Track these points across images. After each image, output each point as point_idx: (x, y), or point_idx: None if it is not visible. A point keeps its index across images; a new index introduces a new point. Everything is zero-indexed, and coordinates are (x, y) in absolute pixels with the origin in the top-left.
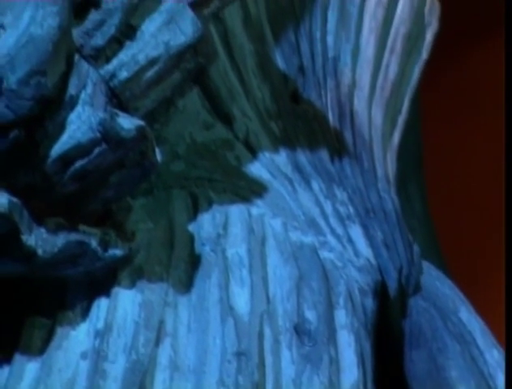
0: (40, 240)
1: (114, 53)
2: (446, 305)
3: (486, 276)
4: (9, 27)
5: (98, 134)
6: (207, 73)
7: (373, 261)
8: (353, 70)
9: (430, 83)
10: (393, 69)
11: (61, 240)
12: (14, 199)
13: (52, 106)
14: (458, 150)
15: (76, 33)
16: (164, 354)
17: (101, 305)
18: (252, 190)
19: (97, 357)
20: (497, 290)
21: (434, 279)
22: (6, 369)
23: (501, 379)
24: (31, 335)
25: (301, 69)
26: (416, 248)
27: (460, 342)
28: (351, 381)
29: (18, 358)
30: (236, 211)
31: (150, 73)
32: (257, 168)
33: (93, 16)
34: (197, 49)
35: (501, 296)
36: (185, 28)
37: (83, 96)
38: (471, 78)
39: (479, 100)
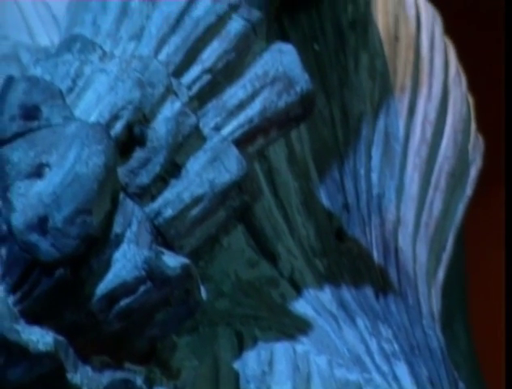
0: (86, 378)
1: (159, 192)
2: None
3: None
4: (54, 165)
5: (143, 273)
6: (252, 210)
7: None
8: (398, 207)
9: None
10: (437, 206)
11: (106, 378)
12: (60, 338)
13: (97, 245)
14: None
15: (121, 172)
16: None
17: None
18: (297, 328)
19: None
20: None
21: None
22: None
23: None
24: None
25: (346, 206)
26: (461, 385)
27: None
28: None
29: None
30: (281, 348)
31: (195, 211)
32: (302, 306)
33: (138, 154)
34: (242, 186)
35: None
36: (230, 166)
37: (128, 234)
38: None
39: None
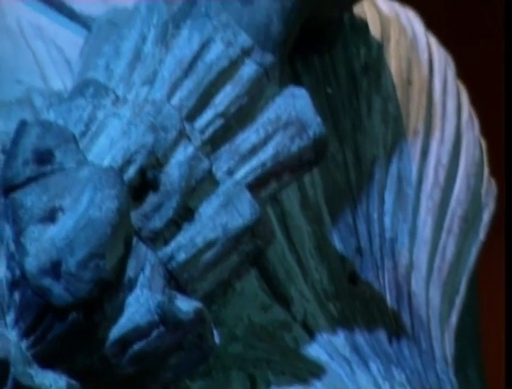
0: None
1: (172, 236)
2: None
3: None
4: (68, 210)
5: (156, 317)
6: (265, 254)
7: None
8: (410, 251)
9: None
10: (450, 250)
11: None
12: (73, 382)
13: (110, 289)
14: None
15: (134, 216)
16: None
17: None
18: (310, 372)
19: None
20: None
21: None
22: None
23: None
24: None
25: (359, 250)
26: None
27: None
28: None
29: None
30: None
31: (208, 255)
32: (315, 350)
33: (151, 199)
34: (254, 231)
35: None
36: (243, 210)
37: (141, 278)
38: None
39: None
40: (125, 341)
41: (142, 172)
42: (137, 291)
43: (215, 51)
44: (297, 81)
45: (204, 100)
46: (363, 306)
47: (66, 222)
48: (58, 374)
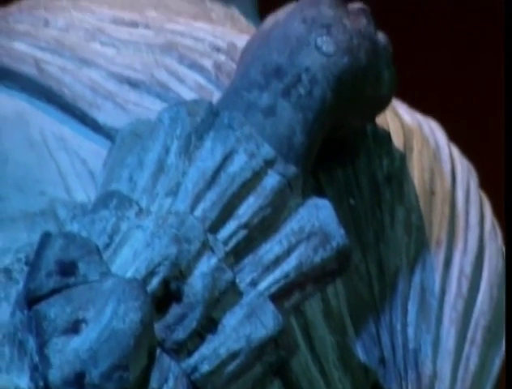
0: None
1: (196, 347)
2: None
3: None
4: (91, 321)
5: None
6: (288, 365)
7: None
8: (434, 362)
9: None
10: (473, 360)
11: None
12: None
13: None
14: None
15: (158, 327)
16: None
17: None
18: None
19: None
20: None
21: None
22: None
23: None
24: None
25: (382, 360)
26: None
27: None
28: None
29: None
30: None
31: (231, 366)
32: None
33: (174, 310)
34: (278, 341)
35: None
36: (266, 321)
37: None
38: None
39: None
40: None
41: (165, 283)
42: None
43: (238, 162)
44: (320, 192)
45: (227, 211)
46: None
47: (89, 334)
48: None
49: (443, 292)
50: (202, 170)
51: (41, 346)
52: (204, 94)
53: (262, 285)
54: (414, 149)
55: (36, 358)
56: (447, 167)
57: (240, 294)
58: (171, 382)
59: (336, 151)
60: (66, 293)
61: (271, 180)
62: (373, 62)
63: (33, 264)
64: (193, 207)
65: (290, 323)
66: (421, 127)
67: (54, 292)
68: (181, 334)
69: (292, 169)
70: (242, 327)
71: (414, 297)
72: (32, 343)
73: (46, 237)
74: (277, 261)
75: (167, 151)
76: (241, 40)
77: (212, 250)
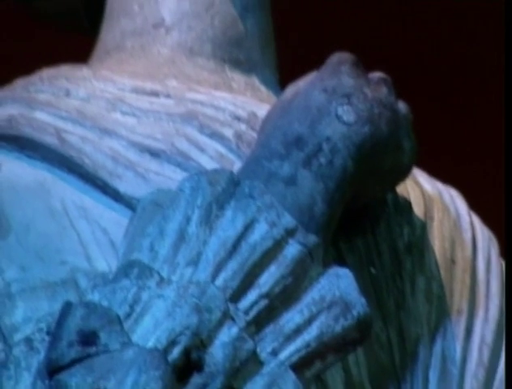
0: None
1: None
2: None
3: None
4: None
5: None
6: None
7: None
8: None
9: None
10: None
11: None
12: None
13: None
14: None
15: None
16: None
17: None
18: None
19: None
20: None
21: None
22: None
23: None
24: None
25: None
26: None
27: None
28: None
29: None
30: None
31: None
32: None
33: (195, 380)
34: None
35: None
36: None
37: None
38: None
39: None
40: None
41: (186, 353)
42: None
43: (259, 232)
44: (341, 261)
45: (248, 280)
46: None
47: None
48: None
49: (464, 360)
50: (223, 239)
51: None
52: (225, 163)
53: (283, 354)
54: (435, 218)
55: None
56: (468, 235)
57: (261, 363)
58: None
59: (357, 219)
60: (87, 363)
61: (292, 249)
62: (393, 132)
63: (54, 334)
64: (214, 277)
65: None
66: (442, 196)
67: (75, 361)
68: None
69: (312, 238)
70: None
71: (435, 365)
72: None
73: (67, 307)
74: (298, 330)
75: (188, 220)
76: (262, 110)
77: (233, 320)
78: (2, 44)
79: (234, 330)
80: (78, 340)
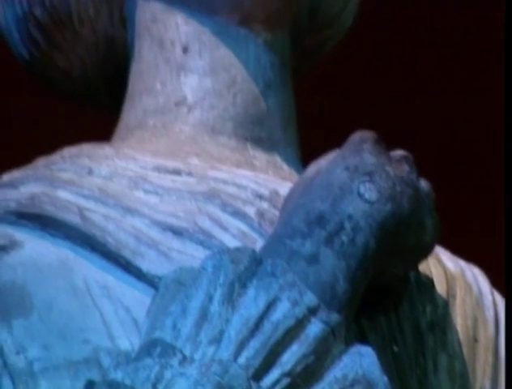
0: None
1: None
2: None
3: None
4: None
5: None
6: None
7: None
8: None
9: None
10: None
11: None
12: None
13: None
14: None
15: None
16: None
17: None
18: None
19: None
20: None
21: None
22: None
23: None
24: None
25: None
26: None
27: None
28: None
29: None
30: None
31: None
32: None
33: None
34: None
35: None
36: None
37: None
38: None
39: None
40: None
41: None
42: None
43: (282, 310)
44: (363, 339)
45: (271, 359)
46: None
47: None
48: None
49: None
50: (246, 318)
51: None
52: (247, 242)
53: None
54: (457, 296)
55: None
56: (490, 314)
57: None
58: None
59: (379, 297)
60: None
61: (314, 328)
62: (415, 210)
63: None
64: (236, 355)
65: None
66: (464, 274)
67: None
68: None
69: (335, 317)
70: None
71: None
72: None
73: (90, 385)
74: None
75: (210, 298)
76: (284, 188)
77: None
78: (22, 123)
79: None
80: None
